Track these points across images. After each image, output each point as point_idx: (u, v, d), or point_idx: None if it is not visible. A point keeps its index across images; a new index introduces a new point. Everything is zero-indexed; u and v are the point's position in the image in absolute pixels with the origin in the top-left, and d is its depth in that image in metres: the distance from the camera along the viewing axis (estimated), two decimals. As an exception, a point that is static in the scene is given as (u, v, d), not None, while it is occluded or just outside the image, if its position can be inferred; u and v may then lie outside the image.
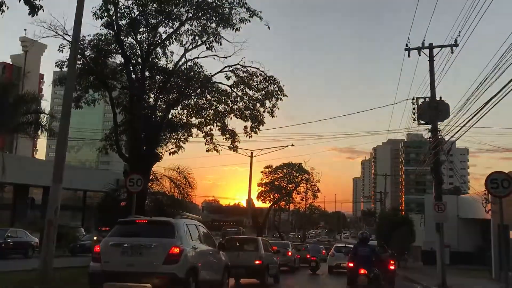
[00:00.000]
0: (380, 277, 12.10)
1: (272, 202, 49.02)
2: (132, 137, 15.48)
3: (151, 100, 16.23)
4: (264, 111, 17.36)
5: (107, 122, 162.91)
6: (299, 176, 49.17)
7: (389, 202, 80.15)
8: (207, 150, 17.69)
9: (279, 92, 16.88)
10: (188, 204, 19.02)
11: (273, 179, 48.90)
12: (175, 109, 17.75)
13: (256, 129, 17.37)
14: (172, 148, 17.07)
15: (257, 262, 15.19)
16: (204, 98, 17.51)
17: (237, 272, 14.76)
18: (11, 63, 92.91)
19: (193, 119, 17.86)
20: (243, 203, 46.99)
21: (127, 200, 13.85)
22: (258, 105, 17.21)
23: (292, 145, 34.11)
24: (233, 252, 15.15)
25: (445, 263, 36.04)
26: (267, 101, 17.13)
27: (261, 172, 49.73)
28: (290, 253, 25.59)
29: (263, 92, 16.89)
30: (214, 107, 17.63)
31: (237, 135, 17.63)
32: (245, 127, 17.52)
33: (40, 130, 25.01)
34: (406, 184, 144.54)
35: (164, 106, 16.51)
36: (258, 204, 50.80)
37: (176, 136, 17.16)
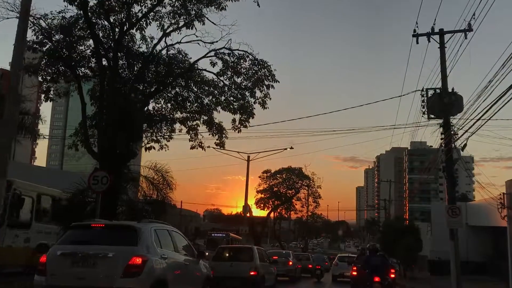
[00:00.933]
0: (392, 285, 13.45)
1: (270, 209, 46.62)
2: (102, 131, 13.59)
3: (126, 89, 14.33)
4: (255, 102, 15.51)
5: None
6: (300, 181, 46.94)
7: (393, 210, 78.13)
8: (192, 147, 15.86)
9: (269, 77, 14.95)
10: (169, 208, 17.16)
11: (271, 185, 46.54)
12: (157, 103, 15.88)
13: (246, 122, 15.44)
14: (148, 143, 15.16)
15: (252, 273, 14.45)
16: (188, 89, 15.61)
17: (230, 284, 14.16)
18: (9, 70, 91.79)
19: (178, 113, 15.98)
20: (250, 213, 45.09)
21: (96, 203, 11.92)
22: (248, 94, 15.31)
23: (291, 147, 32.26)
24: (226, 262, 14.69)
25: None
26: (257, 91, 15.23)
27: (259, 177, 47.45)
28: (291, 263, 25.04)
29: (253, 79, 14.97)
30: (200, 99, 15.72)
31: (225, 130, 15.73)
32: (234, 120, 15.60)
33: (23, 132, 23.56)
34: (410, 193, 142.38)
35: (141, 97, 14.60)
36: (258, 212, 48.72)
37: (153, 131, 15.22)
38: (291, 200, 48.20)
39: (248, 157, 31.39)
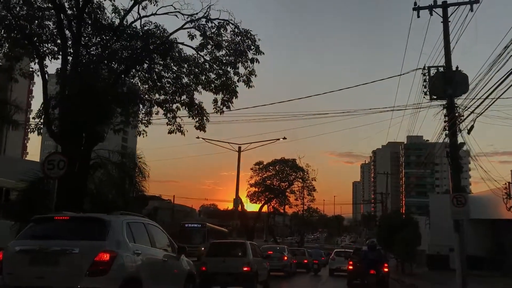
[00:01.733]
0: (385, 278, 15.45)
1: (263, 202, 44.85)
2: (65, 111, 12.01)
3: (93, 65, 12.73)
4: (238, 80, 13.93)
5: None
6: (293, 174, 45.09)
7: (389, 205, 77.07)
8: (170, 132, 14.32)
9: (253, 49, 13.35)
10: (143, 199, 15.71)
11: (264, 177, 44.65)
12: (133, 83, 14.22)
13: (229, 103, 13.87)
14: (118, 125, 13.54)
15: (245, 268, 14.14)
16: (166, 68, 14.00)
17: (223, 280, 13.94)
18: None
19: (156, 95, 14.38)
20: (241, 207, 43.37)
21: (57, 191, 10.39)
22: (231, 71, 13.71)
23: (284, 138, 30.69)
24: (218, 258, 14.33)
25: (454, 268, 33.00)
26: (241, 66, 13.66)
27: (251, 169, 45.52)
28: (286, 258, 25.03)
29: (236, 53, 13.37)
30: (179, 79, 14.08)
31: (205, 111, 14.13)
32: (215, 101, 14.00)
33: (2, 122, 22.17)
34: (406, 187, 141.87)
35: (110, 74, 12.99)
36: (252, 207, 47.09)
37: (127, 113, 13.63)
38: (285, 193, 46.41)
39: (239, 148, 29.80)
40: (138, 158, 13.40)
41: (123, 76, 13.34)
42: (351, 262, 20.68)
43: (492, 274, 25.16)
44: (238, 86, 13.74)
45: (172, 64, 14.04)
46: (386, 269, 15.80)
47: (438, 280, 23.76)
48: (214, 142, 31.24)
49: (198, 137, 31.00)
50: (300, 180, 45.76)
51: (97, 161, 12.85)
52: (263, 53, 13.13)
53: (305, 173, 45.57)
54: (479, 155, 14.76)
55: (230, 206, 47.38)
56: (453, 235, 15.44)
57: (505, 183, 20.13)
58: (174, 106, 14.53)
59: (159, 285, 8.00)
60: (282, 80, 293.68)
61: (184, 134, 14.30)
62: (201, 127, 14.11)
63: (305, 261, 32.03)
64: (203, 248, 26.38)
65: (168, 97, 14.45)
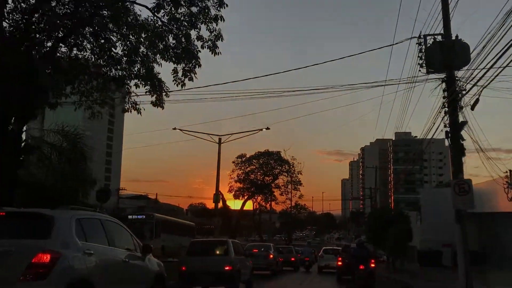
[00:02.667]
0: (374, 273, 16.75)
1: (247, 197, 42.52)
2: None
3: (21, 28, 10.51)
4: (202, 46, 11.87)
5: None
6: (278, 167, 42.85)
7: (378, 200, 75.95)
8: (124, 111, 12.26)
9: (217, 3, 11.19)
10: (105, 191, 13.55)
11: (247, 171, 42.30)
12: (79, 49, 11.78)
13: (191, 73, 11.74)
14: (54, 99, 11.32)
15: (227, 267, 13.83)
16: (123, 38, 11.85)
17: (204, 279, 13.66)
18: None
19: (107, 69, 12.16)
20: (229, 205, 41.12)
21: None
22: (192, 34, 11.57)
23: (268, 128, 28.69)
24: (198, 257, 14.12)
25: (447, 265, 31.43)
26: (204, 29, 11.57)
27: (233, 162, 43.14)
28: (271, 256, 24.61)
29: (197, 9, 11.24)
30: (134, 49, 11.86)
31: (164, 84, 11.99)
32: (175, 71, 11.83)
33: None
34: (395, 184, 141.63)
35: (44, 39, 10.72)
36: (237, 204, 44.86)
37: (69, 86, 11.44)
38: (269, 187, 44.17)
39: (220, 139, 27.73)
40: (78, 139, 11.22)
41: (61, 43, 11.11)
42: (340, 259, 22.28)
43: (494, 270, 23.56)
44: (200, 52, 11.62)
45: (126, 31, 11.83)
46: (373, 265, 17.09)
47: (432, 278, 22.02)
48: (192, 134, 29.43)
49: (175, 128, 29.00)
50: (285, 173, 43.72)
51: (29, 143, 10.68)
52: (227, 5, 11.01)
53: (291, 166, 43.63)
54: (470, 151, 12.90)
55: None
56: (455, 227, 13.57)
57: (507, 171, 18.43)
58: (133, 83, 12.39)
59: None
60: (265, 59, 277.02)
61: (140, 113, 12.27)
62: (158, 102, 11.95)
63: (293, 259, 31.85)
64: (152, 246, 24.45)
65: (124, 72, 12.24)
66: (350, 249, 21.12)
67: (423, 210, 36.21)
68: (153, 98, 11.96)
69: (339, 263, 21.84)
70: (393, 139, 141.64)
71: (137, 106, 12.30)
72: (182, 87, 11.66)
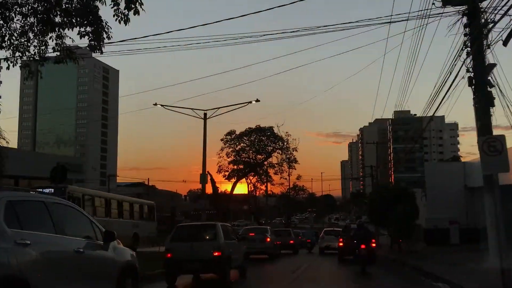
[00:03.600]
0: (374, 251, 17.78)
1: (237, 177, 39.93)
2: None
3: None
4: None
5: (82, 95, 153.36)
6: (272, 144, 40.19)
7: (379, 180, 74.49)
8: (57, 61, 9.95)
9: None
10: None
11: (237, 150, 39.65)
12: None
13: (136, 3, 9.23)
14: None
15: (215, 253, 13.01)
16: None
17: (191, 267, 13.11)
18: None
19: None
20: (213, 185, 38.76)
21: None
22: None
23: (257, 100, 26.44)
24: (185, 243, 13.40)
25: (455, 243, 29.51)
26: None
27: (221, 140, 40.12)
28: (268, 240, 24.23)
29: None
30: None
31: (103, 22, 9.57)
32: (116, 3, 9.28)
33: None
34: (395, 163, 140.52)
35: None
36: (228, 186, 42.72)
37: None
38: (262, 166, 41.74)
39: (205, 114, 25.50)
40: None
41: None
42: (341, 239, 22.68)
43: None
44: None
45: None
46: (373, 244, 17.88)
47: (444, 260, 19.95)
48: (175, 109, 27.38)
49: (155, 104, 26.94)
50: (280, 150, 40.96)
51: None
52: None
53: (285, 143, 40.91)
54: (466, 129, 10.65)
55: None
56: (484, 196, 11.39)
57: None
58: (58, 18, 9.66)
59: (66, 285, 6.32)
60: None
61: (77, 62, 10.01)
62: (95, 46, 9.53)
63: (291, 241, 31.18)
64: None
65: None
66: (351, 230, 21.87)
67: (428, 187, 34.44)
68: (91, 42, 9.46)
69: (341, 243, 22.44)
70: (392, 117, 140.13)
71: (73, 55, 9.97)
72: (125, 24, 9.26)
